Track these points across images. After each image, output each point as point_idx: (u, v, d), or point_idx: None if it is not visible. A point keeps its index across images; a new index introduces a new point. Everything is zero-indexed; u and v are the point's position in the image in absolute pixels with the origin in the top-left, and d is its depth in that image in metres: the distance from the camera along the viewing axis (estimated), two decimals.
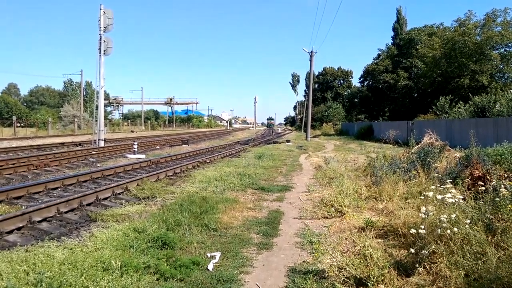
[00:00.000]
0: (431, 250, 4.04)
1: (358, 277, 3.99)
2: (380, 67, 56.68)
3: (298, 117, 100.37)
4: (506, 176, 7.00)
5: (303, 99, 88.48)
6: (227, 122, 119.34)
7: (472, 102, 27.39)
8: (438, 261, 3.89)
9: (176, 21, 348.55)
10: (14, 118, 39.31)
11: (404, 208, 6.18)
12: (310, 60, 37.94)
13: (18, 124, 42.29)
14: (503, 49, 37.87)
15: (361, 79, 65.13)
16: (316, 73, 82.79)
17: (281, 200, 8.84)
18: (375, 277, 3.84)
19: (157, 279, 4.21)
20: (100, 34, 22.74)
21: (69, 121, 48.63)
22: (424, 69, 43.77)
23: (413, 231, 4.29)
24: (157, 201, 8.29)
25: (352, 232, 5.85)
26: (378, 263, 4.04)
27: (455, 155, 10.03)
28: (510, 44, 37.26)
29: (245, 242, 5.69)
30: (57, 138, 29.73)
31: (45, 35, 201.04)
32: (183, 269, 4.42)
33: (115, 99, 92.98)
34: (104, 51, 22.81)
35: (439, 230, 4.11)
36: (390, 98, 56.55)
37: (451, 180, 6.33)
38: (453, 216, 4.18)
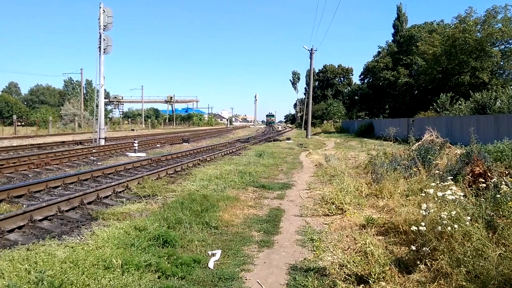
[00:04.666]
0: (432, 247, 4.04)
1: (359, 274, 4.00)
2: (380, 65, 56.54)
3: (299, 114, 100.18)
4: (507, 173, 6.99)
5: (304, 96, 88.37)
6: (227, 120, 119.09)
7: (473, 99, 27.34)
8: (439, 258, 3.89)
9: (176, 19, 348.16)
10: (14, 117, 39.38)
11: (405, 205, 6.18)
12: (310, 58, 37.89)
13: (19, 123, 42.33)
14: (504, 46, 37.78)
15: (362, 76, 65.11)
16: (317, 71, 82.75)
17: (282, 198, 8.84)
18: (376, 274, 3.84)
19: (158, 277, 4.21)
20: (100, 33, 22.73)
21: (70, 120, 48.72)
22: (424, 66, 43.66)
23: (414, 228, 4.29)
24: (158, 199, 8.29)
25: (353, 230, 5.85)
26: (379, 260, 4.04)
27: (455, 152, 10.02)
28: (510, 41, 37.16)
29: (246, 240, 5.70)
30: (58, 137, 29.74)
31: (45, 34, 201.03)
32: (184, 267, 4.43)
33: (115, 97, 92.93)
34: (104, 49, 22.81)
35: (440, 227, 4.11)
36: (390, 96, 56.47)
37: (451, 177, 6.32)
38: (454, 213, 4.18)
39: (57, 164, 13.70)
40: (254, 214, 7.26)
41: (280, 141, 31.15)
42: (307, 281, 4.10)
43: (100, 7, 22.65)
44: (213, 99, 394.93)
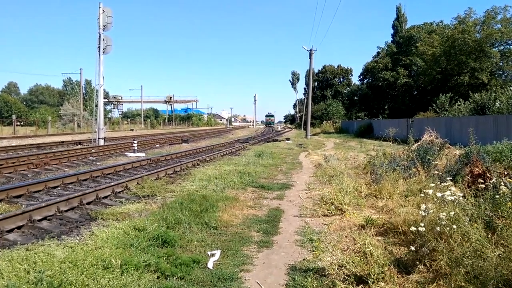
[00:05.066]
0: (431, 248, 4.04)
1: (359, 274, 4.00)
2: (379, 65, 56.62)
3: (298, 115, 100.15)
4: (506, 173, 7.00)
5: (303, 97, 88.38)
6: (226, 121, 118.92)
7: (472, 100, 27.39)
8: (438, 258, 3.89)
9: (175, 19, 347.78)
10: (13, 117, 39.30)
11: (404, 206, 6.18)
12: (310, 58, 37.91)
13: (18, 123, 42.27)
14: (503, 47, 37.88)
15: (361, 77, 65.26)
16: (316, 71, 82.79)
17: (281, 198, 8.84)
18: (375, 275, 3.85)
19: (158, 277, 4.21)
20: (99, 33, 22.72)
21: (69, 120, 48.70)
22: (423, 66, 43.74)
23: (413, 228, 4.29)
24: (157, 199, 8.29)
25: (352, 230, 5.86)
26: (378, 260, 4.05)
27: (455, 152, 10.03)
28: (509, 42, 37.26)
29: (245, 240, 5.70)
30: (57, 137, 29.71)
31: (45, 34, 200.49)
32: (183, 267, 4.43)
33: (114, 97, 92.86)
34: (103, 49, 22.80)
35: (439, 227, 4.11)
36: (389, 96, 56.55)
37: (451, 178, 6.34)
38: (453, 213, 4.19)
39: (56, 164, 13.68)
40: (254, 214, 7.26)
41: (280, 141, 31.16)
42: (306, 281, 4.10)
43: (99, 7, 22.64)
44: (212, 99, 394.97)
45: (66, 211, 7.11)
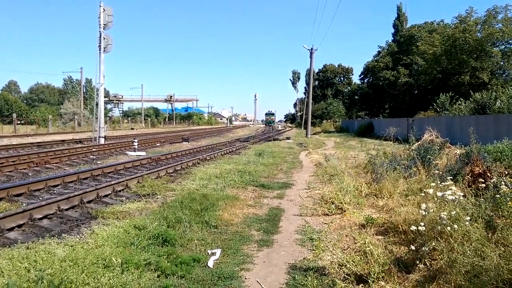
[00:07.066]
0: (431, 247, 4.04)
1: (359, 274, 4.00)
2: (380, 64, 56.53)
3: (298, 114, 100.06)
4: (506, 173, 6.99)
5: (303, 96, 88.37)
6: (227, 120, 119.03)
7: (473, 99, 27.33)
8: (438, 258, 3.89)
9: (176, 18, 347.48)
10: (14, 115, 39.31)
11: (405, 205, 6.18)
12: (310, 57, 37.89)
13: (18, 122, 42.32)
14: (504, 46, 37.81)
15: (362, 76, 65.14)
16: (317, 70, 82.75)
17: (282, 197, 8.84)
18: (376, 274, 3.85)
19: (158, 276, 4.21)
20: (100, 32, 22.73)
21: (69, 119, 48.71)
22: (424, 66, 43.68)
23: (413, 228, 4.30)
24: (157, 198, 8.30)
25: (353, 229, 5.86)
26: (379, 260, 4.05)
27: (455, 152, 10.01)
28: (510, 41, 37.19)
29: (246, 239, 5.71)
30: (57, 136, 29.74)
31: (45, 33, 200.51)
32: (183, 266, 4.43)
33: (115, 96, 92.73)
34: (104, 48, 22.81)
35: (439, 227, 4.11)
36: (390, 95, 56.45)
37: (451, 177, 6.33)
38: (453, 213, 4.19)
39: (56, 163, 13.69)
40: (254, 213, 7.27)
41: (280, 140, 31.15)
42: (306, 280, 4.11)
43: (100, 6, 22.63)
44: (213, 98, 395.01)
45: (66, 209, 7.11)
